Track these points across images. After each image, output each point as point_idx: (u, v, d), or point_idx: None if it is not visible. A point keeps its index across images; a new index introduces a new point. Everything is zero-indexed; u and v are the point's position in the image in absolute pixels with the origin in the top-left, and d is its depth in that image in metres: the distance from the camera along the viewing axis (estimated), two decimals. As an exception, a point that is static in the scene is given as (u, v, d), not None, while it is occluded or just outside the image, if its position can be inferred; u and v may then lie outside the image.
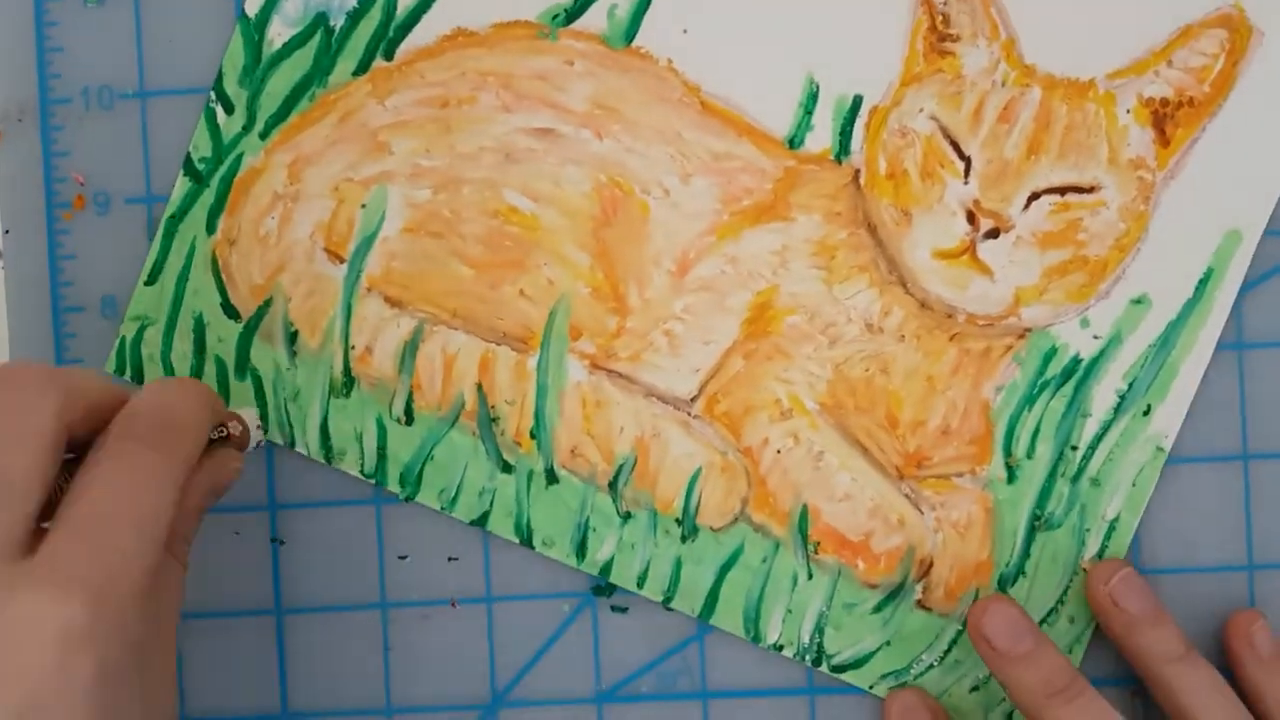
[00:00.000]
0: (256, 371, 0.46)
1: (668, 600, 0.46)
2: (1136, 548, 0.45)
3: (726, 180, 0.45)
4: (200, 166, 0.46)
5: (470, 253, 0.46)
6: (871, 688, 0.46)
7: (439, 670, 0.47)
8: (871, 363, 0.45)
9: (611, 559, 0.46)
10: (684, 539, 0.46)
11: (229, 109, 0.46)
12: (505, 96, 0.45)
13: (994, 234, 0.44)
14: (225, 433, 0.42)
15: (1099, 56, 0.44)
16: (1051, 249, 0.44)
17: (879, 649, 0.45)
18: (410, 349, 0.46)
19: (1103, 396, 0.45)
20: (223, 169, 0.46)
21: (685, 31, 0.45)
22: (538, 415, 0.46)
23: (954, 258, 0.44)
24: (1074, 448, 0.45)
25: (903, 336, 0.45)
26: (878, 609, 0.45)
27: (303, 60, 0.46)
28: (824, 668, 0.46)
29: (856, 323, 0.45)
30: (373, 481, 0.46)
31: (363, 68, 0.46)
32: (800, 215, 0.45)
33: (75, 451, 0.38)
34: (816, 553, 0.45)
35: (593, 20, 0.45)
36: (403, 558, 0.47)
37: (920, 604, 0.45)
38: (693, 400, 0.46)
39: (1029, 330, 0.45)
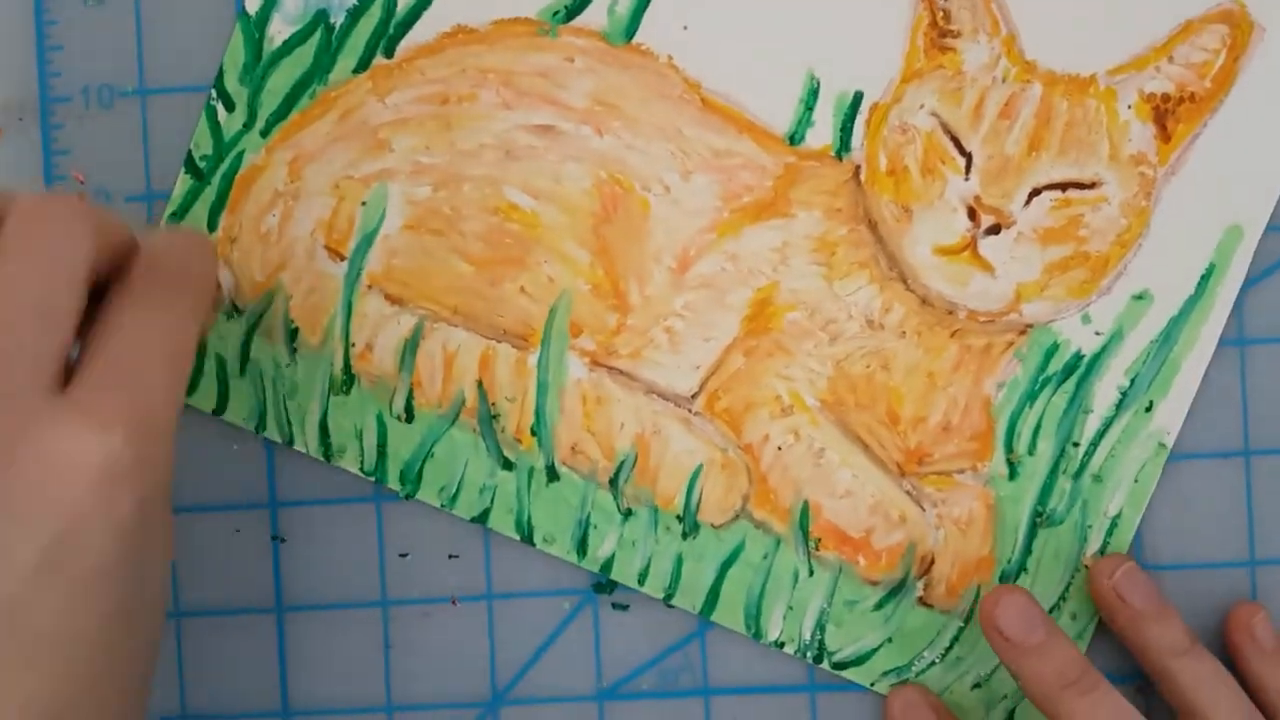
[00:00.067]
0: (257, 369, 0.46)
1: (669, 597, 0.46)
2: (1139, 544, 0.45)
3: (727, 177, 0.45)
4: (201, 164, 0.46)
5: (471, 250, 0.46)
6: (873, 685, 0.45)
7: (439, 668, 0.47)
8: (872, 359, 0.45)
9: (612, 556, 0.46)
10: (685, 536, 0.46)
11: (230, 106, 0.46)
12: (505, 93, 0.45)
13: (995, 230, 0.44)
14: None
15: (1100, 52, 0.44)
16: (1053, 245, 0.44)
17: (880, 646, 0.45)
18: (410, 346, 0.46)
19: (1104, 393, 0.45)
20: (224, 166, 0.46)
21: (686, 28, 0.45)
22: (538, 412, 0.46)
23: (955, 254, 0.44)
24: (1076, 444, 0.45)
25: (903, 333, 0.45)
26: (879, 606, 0.45)
27: (303, 58, 0.46)
28: (825, 665, 0.45)
29: (857, 319, 0.45)
30: (372, 479, 0.46)
31: (363, 65, 0.46)
32: (801, 212, 0.45)
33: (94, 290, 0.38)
34: (817, 549, 0.45)
35: (593, 17, 0.45)
36: (403, 555, 0.47)
37: (922, 601, 0.45)
38: (693, 397, 0.46)
39: (1030, 326, 0.45)
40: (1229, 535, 0.45)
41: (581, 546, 0.46)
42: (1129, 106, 0.44)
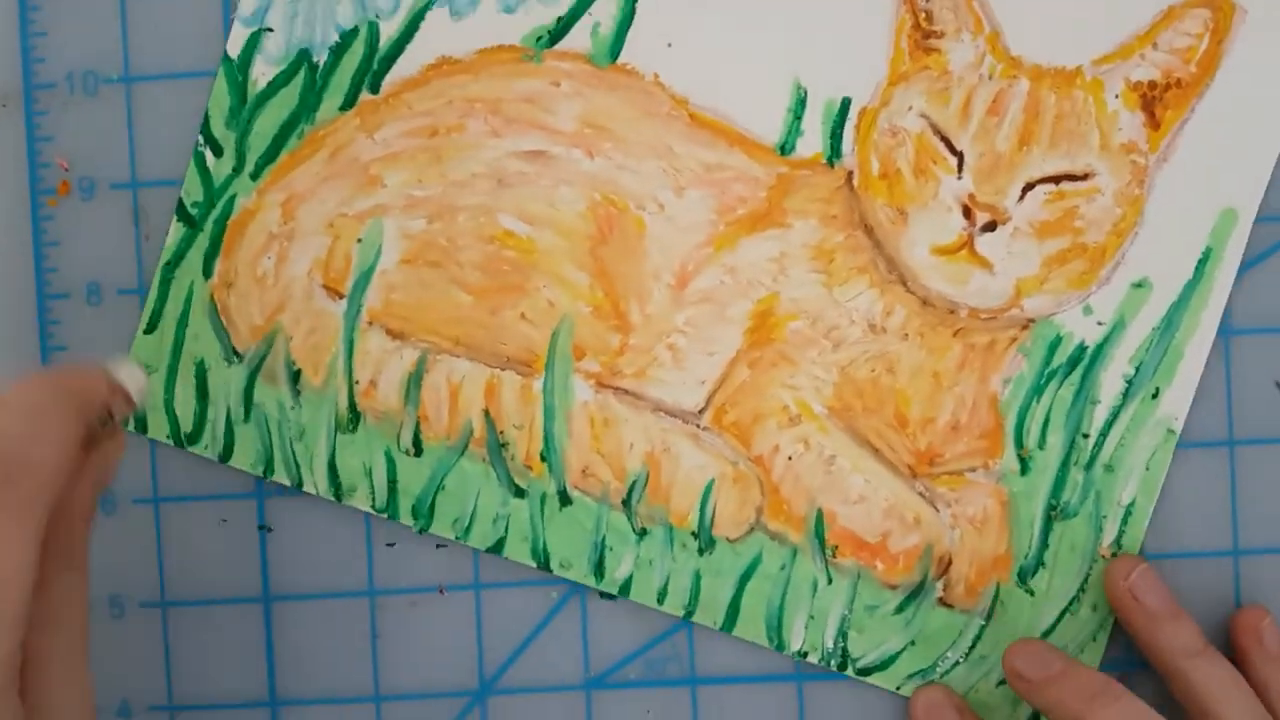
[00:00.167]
0: (261, 413, 0.46)
1: (689, 614, 0.46)
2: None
3: (720, 191, 0.45)
4: (193, 211, 0.46)
5: (469, 280, 0.46)
6: (898, 688, 0.45)
7: (427, 658, 0.47)
8: (877, 363, 0.45)
9: (630, 577, 0.46)
10: (701, 552, 0.46)
11: (218, 152, 0.46)
12: (494, 121, 0.45)
13: (991, 227, 0.44)
14: (108, 420, 0.37)
15: (1084, 43, 0.44)
16: (1049, 238, 0.44)
17: (903, 649, 0.45)
18: (415, 380, 0.46)
19: (1110, 382, 0.45)
20: (215, 212, 0.46)
21: (670, 45, 0.45)
22: (547, 438, 0.46)
23: (952, 253, 0.44)
24: (1085, 435, 0.45)
25: (906, 335, 0.45)
26: (899, 609, 0.45)
27: (289, 98, 0.46)
28: (850, 672, 0.45)
29: (859, 324, 0.45)
30: (385, 516, 0.46)
31: (349, 102, 0.46)
32: (796, 221, 0.45)
33: None
34: (835, 557, 0.45)
35: (577, 40, 0.45)
36: (390, 545, 0.46)
37: (942, 601, 0.45)
38: (700, 412, 0.46)
39: (1032, 321, 0.45)
40: (1213, 525, 0.45)
41: (599, 569, 0.46)
42: (1116, 96, 0.44)
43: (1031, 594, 0.45)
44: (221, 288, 0.46)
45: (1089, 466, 0.45)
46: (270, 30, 0.45)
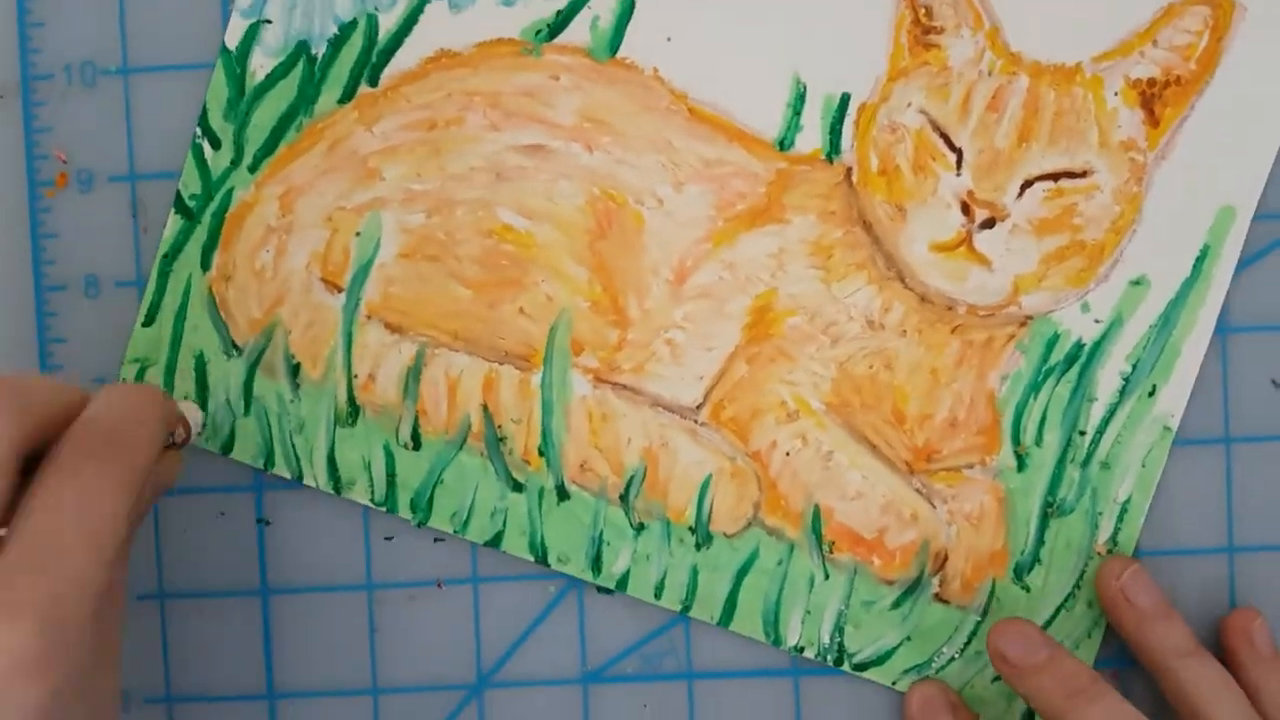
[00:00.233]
0: (261, 406, 0.46)
1: (686, 609, 0.46)
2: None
3: (719, 186, 0.45)
4: (191, 203, 0.46)
5: (467, 274, 0.46)
6: (894, 684, 0.46)
7: (425, 651, 0.47)
8: (875, 359, 0.45)
9: (628, 571, 0.46)
10: (698, 547, 0.46)
11: (215, 144, 0.46)
12: (493, 115, 0.45)
13: (989, 224, 0.44)
14: (173, 439, 0.42)
15: (1084, 40, 0.44)
16: (1048, 235, 0.44)
17: (900, 645, 0.46)
18: (413, 374, 0.46)
19: (1107, 380, 0.45)
20: (214, 205, 0.46)
21: (669, 39, 0.45)
22: (545, 432, 0.46)
23: (951, 250, 0.44)
24: (1082, 432, 0.45)
25: (904, 331, 0.45)
26: (896, 605, 0.45)
27: (287, 91, 0.45)
28: (846, 667, 0.46)
29: (857, 320, 0.45)
30: (384, 509, 0.46)
31: (348, 95, 0.45)
32: (795, 216, 0.45)
33: (33, 458, 0.37)
34: (831, 552, 0.45)
35: (576, 34, 0.45)
36: (389, 539, 0.47)
37: (938, 597, 0.45)
38: (698, 408, 0.46)
39: (1030, 318, 0.45)
40: (1209, 522, 0.45)
41: (596, 564, 0.46)
42: (1116, 93, 0.44)
43: (1027, 590, 0.45)
44: (220, 281, 0.46)
45: (1085, 463, 0.45)
46: (269, 22, 0.45)
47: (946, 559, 0.45)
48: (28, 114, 0.46)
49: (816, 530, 0.45)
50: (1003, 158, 0.44)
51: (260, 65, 0.46)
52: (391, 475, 0.46)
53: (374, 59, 0.45)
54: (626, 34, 0.45)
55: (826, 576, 0.45)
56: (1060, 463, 0.45)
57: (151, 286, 0.46)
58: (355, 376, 0.46)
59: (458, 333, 0.46)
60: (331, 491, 0.46)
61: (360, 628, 0.47)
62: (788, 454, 0.45)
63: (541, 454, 0.46)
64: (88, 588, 0.35)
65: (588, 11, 0.45)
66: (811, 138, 0.45)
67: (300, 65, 0.45)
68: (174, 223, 0.46)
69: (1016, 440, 0.45)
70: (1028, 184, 0.44)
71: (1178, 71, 0.44)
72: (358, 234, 0.45)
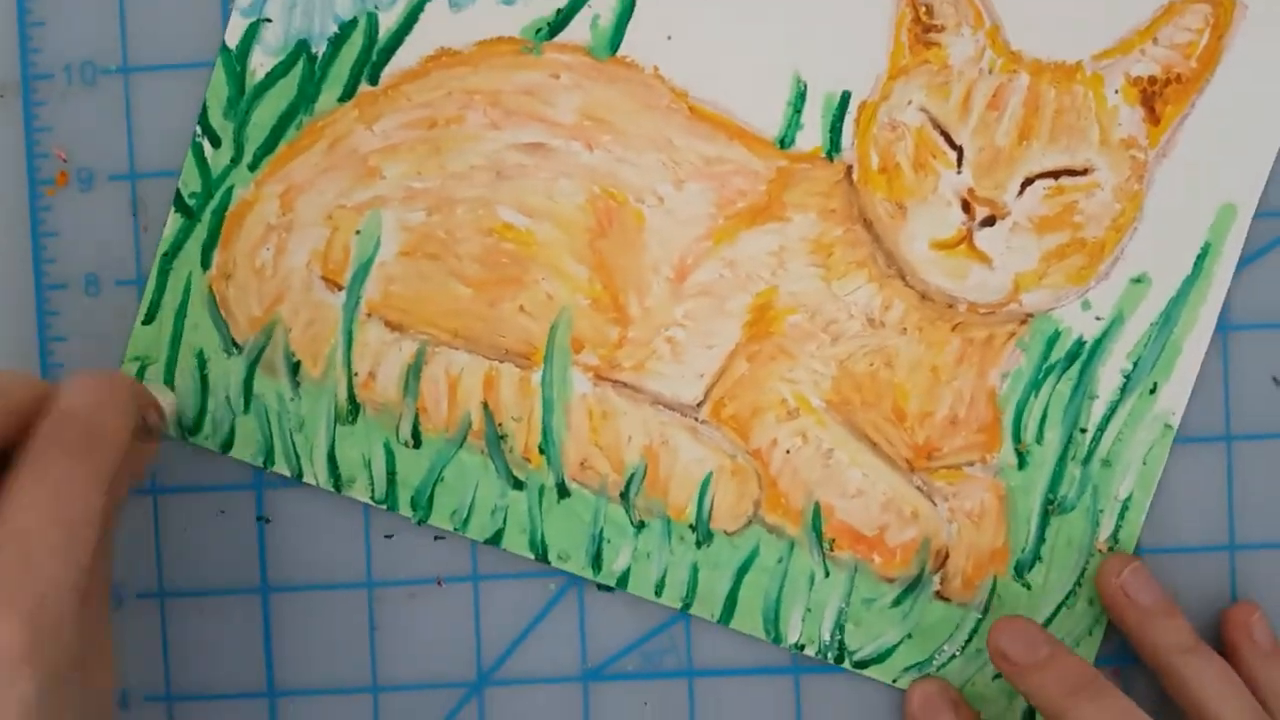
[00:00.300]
0: (261, 404, 0.46)
1: (686, 607, 0.46)
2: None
3: (719, 184, 0.45)
4: (191, 202, 0.46)
5: (468, 272, 0.46)
6: (895, 681, 0.46)
7: (425, 649, 0.47)
8: (875, 357, 0.45)
9: (628, 569, 0.46)
10: (699, 544, 0.46)
11: (215, 142, 0.46)
12: (493, 114, 0.45)
13: (990, 222, 0.44)
14: (146, 425, 0.42)
15: (1084, 38, 0.44)
16: (1048, 233, 0.44)
17: (900, 642, 0.46)
18: (414, 372, 0.46)
19: (1108, 377, 0.45)
20: (213, 203, 0.46)
21: (669, 38, 0.45)
22: (545, 430, 0.46)
23: (951, 248, 0.44)
24: (1083, 430, 0.45)
25: (905, 329, 0.45)
26: (896, 602, 0.45)
27: (287, 89, 0.45)
28: (846, 665, 0.46)
29: (858, 318, 0.45)
30: (384, 507, 0.46)
31: (348, 94, 0.45)
32: (795, 214, 0.45)
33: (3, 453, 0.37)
34: (832, 550, 0.45)
35: (576, 32, 0.45)
36: (389, 536, 0.47)
37: (939, 595, 0.45)
38: (699, 405, 0.46)
39: (1031, 316, 0.45)
40: (1210, 520, 0.45)
41: (596, 562, 0.46)
42: (1116, 91, 0.44)
43: (1028, 588, 0.45)
44: (220, 279, 0.46)
45: (1086, 461, 0.45)
46: (269, 21, 0.45)
47: (947, 557, 0.45)
48: (28, 113, 0.46)
49: (817, 528, 0.45)
50: (1003, 155, 0.44)
51: (260, 64, 0.46)
52: (392, 473, 0.46)
53: (374, 57, 0.45)
54: (627, 32, 0.45)
55: (827, 574, 0.45)
56: (1061, 460, 0.45)
57: (152, 285, 0.46)
58: (355, 374, 0.46)
59: (458, 331, 0.46)
60: (332, 489, 0.46)
61: (360, 625, 0.47)
62: (788, 452, 0.45)
63: (542, 452, 0.46)
64: (69, 582, 0.35)
65: (588, 10, 0.45)
66: (812, 136, 0.45)
67: (300, 64, 0.45)
68: (174, 221, 0.46)
69: (1017, 438, 0.45)
70: (1028, 182, 0.44)
71: (1178, 69, 0.44)
72: (358, 232, 0.45)
